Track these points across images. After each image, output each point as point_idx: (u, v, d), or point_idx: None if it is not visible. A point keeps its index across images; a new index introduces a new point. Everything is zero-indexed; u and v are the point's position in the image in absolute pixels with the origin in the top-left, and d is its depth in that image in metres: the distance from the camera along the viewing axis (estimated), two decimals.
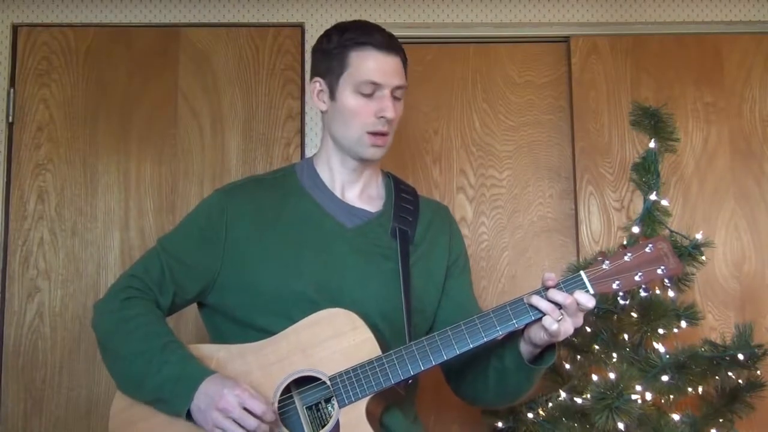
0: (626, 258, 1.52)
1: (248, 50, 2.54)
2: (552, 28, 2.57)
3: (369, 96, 1.61)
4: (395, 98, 1.64)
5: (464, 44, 2.58)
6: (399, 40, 1.69)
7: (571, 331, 1.49)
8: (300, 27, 2.55)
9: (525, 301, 1.51)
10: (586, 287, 1.51)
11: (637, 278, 1.51)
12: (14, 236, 2.44)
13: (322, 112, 1.71)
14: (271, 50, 2.54)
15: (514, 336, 1.59)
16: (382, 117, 1.61)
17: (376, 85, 1.61)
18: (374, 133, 1.62)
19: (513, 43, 2.58)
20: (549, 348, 1.57)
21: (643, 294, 1.55)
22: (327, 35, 1.68)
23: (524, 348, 1.56)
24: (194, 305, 1.71)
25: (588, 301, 1.48)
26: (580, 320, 1.50)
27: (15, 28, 2.52)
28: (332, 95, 1.65)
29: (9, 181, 2.46)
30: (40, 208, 2.45)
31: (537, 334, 1.51)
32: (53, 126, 2.48)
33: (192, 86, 2.52)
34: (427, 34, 2.57)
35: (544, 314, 1.48)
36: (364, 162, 1.69)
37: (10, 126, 2.48)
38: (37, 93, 2.49)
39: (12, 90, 2.48)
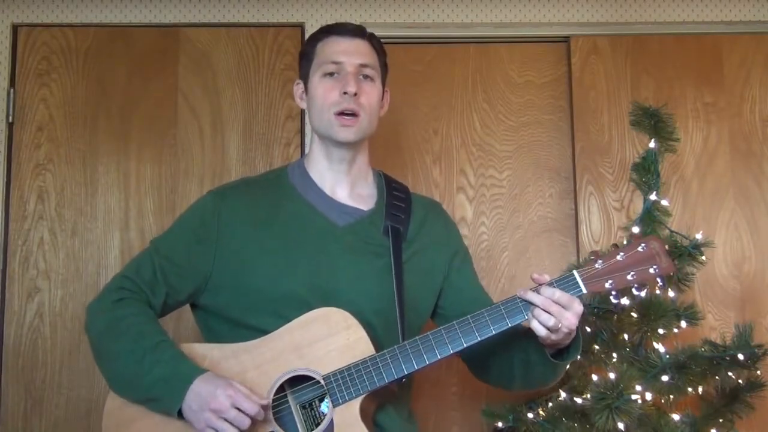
0: (619, 257, 1.53)
1: (248, 50, 2.54)
2: (552, 28, 2.57)
3: (333, 76, 1.67)
4: (366, 77, 1.68)
5: (464, 44, 2.58)
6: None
7: (571, 323, 1.47)
8: (300, 27, 2.56)
9: (519, 295, 1.51)
10: (578, 286, 1.51)
11: (629, 277, 1.52)
12: (14, 236, 2.44)
13: (304, 110, 1.74)
14: (271, 50, 2.54)
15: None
16: (345, 93, 1.64)
17: (338, 64, 1.67)
18: (342, 113, 1.65)
19: (513, 43, 2.58)
20: (574, 341, 1.57)
21: (636, 293, 1.56)
22: (304, 42, 1.78)
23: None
24: (187, 306, 1.71)
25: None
26: (573, 320, 1.49)
27: (15, 28, 2.52)
28: (307, 89, 1.73)
29: (9, 181, 2.46)
30: (40, 208, 2.45)
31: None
32: (53, 126, 2.48)
33: (192, 86, 2.52)
34: (427, 34, 2.56)
35: (538, 309, 1.48)
36: (342, 147, 1.69)
37: (10, 126, 2.48)
38: (37, 93, 2.49)
39: (12, 90, 2.48)
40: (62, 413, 2.38)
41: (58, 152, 2.48)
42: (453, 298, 1.74)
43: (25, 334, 2.40)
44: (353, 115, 1.65)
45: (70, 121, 2.49)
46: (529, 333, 1.58)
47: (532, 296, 1.49)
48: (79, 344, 2.39)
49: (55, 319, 2.41)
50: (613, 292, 1.54)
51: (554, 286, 1.50)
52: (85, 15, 2.53)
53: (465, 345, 1.51)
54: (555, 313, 1.47)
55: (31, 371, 2.39)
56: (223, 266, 1.62)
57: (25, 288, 2.42)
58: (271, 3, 2.56)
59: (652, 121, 2.02)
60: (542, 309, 1.48)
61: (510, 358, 1.66)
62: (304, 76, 1.74)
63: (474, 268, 1.83)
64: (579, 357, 1.63)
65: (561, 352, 1.58)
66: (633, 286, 1.54)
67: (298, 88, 1.77)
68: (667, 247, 1.63)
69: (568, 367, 1.65)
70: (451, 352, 1.51)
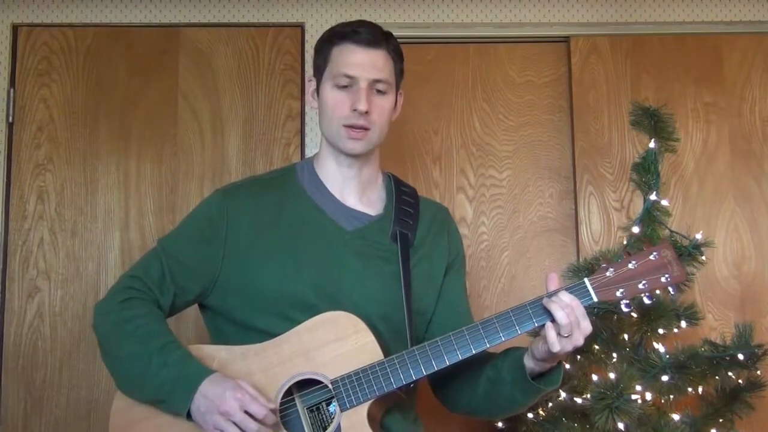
0: (630, 266, 1.50)
1: (248, 50, 2.54)
2: (552, 28, 2.57)
3: (345, 89, 1.62)
4: (379, 92, 1.63)
5: (464, 44, 2.58)
6: (399, 40, 1.69)
7: (585, 328, 1.46)
8: (300, 27, 2.55)
9: (543, 303, 1.48)
10: (589, 294, 1.49)
11: (641, 286, 1.49)
12: (14, 236, 2.44)
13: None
14: (271, 50, 2.54)
15: (516, 348, 1.59)
16: (356, 110, 1.60)
17: (351, 78, 1.61)
18: (351, 126, 1.62)
19: (513, 43, 2.58)
20: (554, 370, 1.55)
21: (647, 301, 1.54)
22: (321, 35, 1.71)
23: (528, 363, 1.54)
24: (195, 307, 1.71)
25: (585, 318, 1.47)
26: (580, 339, 1.47)
27: (15, 28, 2.52)
28: (318, 92, 1.68)
29: (9, 181, 2.46)
30: (40, 208, 2.45)
31: (536, 345, 1.50)
32: (53, 126, 2.48)
33: (192, 86, 2.52)
34: (427, 34, 2.56)
35: (551, 320, 1.46)
36: (349, 157, 1.67)
37: (10, 126, 2.48)
38: (37, 93, 2.49)
39: (12, 90, 2.48)
40: (62, 413, 2.38)
41: (58, 152, 2.48)
42: (439, 307, 1.72)
43: (25, 334, 2.40)
44: (362, 128, 1.63)
45: (70, 121, 2.49)
46: (505, 353, 1.58)
47: (555, 308, 1.45)
48: (79, 344, 2.39)
49: (55, 319, 2.41)
50: (625, 301, 1.52)
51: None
52: (85, 15, 2.53)
53: (474, 351, 1.50)
54: (571, 315, 1.44)
55: (31, 371, 2.39)
56: (230, 266, 1.61)
57: (25, 288, 2.42)
58: (271, 3, 2.56)
59: (652, 121, 2.02)
60: (560, 306, 1.45)
61: (477, 375, 1.62)
62: (317, 77, 1.69)
63: (465, 279, 1.81)
64: (579, 358, 1.62)
65: (539, 377, 1.55)
66: (644, 295, 1.51)
67: (311, 84, 1.72)
68: None
69: (536, 400, 1.60)
70: (460, 358, 1.50)
